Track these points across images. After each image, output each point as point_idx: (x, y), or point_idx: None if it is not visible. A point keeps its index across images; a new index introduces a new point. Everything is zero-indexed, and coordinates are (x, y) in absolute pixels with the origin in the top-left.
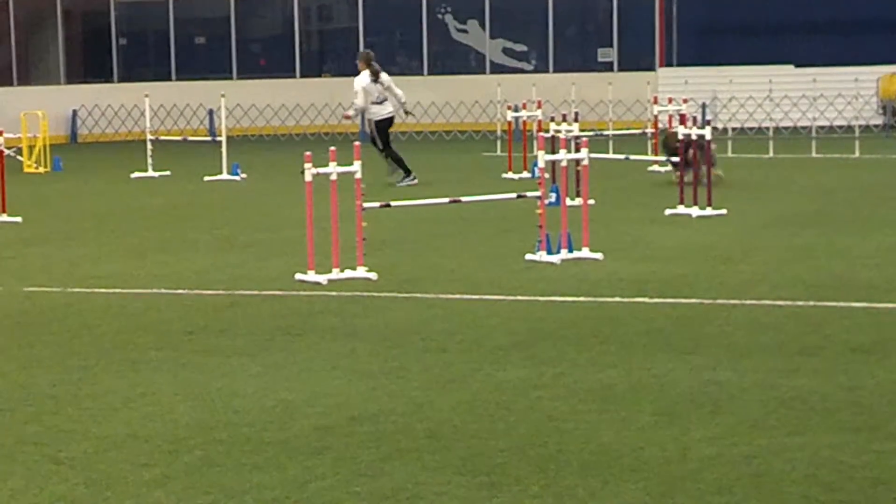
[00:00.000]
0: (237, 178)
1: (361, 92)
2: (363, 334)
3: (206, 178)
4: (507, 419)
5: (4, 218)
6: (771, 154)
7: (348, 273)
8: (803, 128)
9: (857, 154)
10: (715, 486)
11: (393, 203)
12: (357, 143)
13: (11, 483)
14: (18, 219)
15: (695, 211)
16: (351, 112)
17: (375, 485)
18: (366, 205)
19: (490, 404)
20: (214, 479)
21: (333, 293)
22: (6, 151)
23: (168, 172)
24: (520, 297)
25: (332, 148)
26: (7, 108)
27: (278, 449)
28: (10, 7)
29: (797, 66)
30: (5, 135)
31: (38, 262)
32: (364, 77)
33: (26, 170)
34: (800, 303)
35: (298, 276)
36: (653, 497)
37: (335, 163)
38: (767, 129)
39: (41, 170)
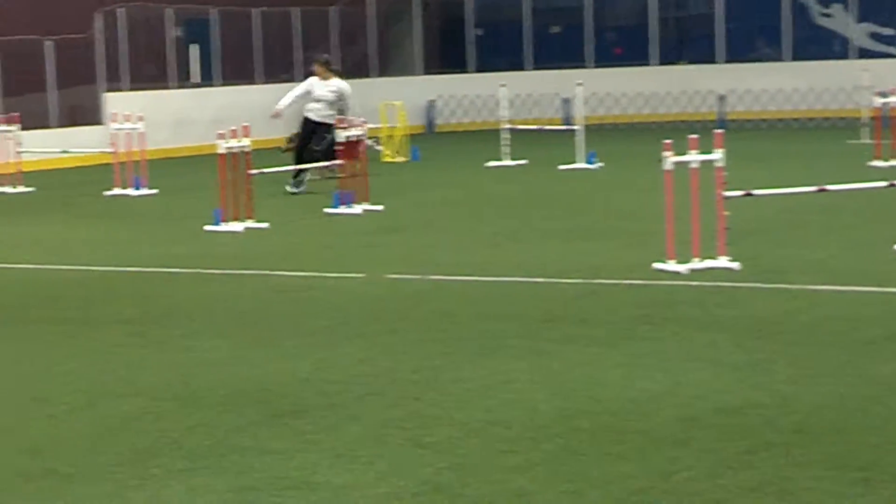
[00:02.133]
0: (593, 166)
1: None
2: (726, 325)
3: (560, 167)
4: (881, 414)
5: (367, 206)
6: None
7: (709, 263)
8: None
9: None
10: None
11: (755, 192)
12: (718, 130)
13: (378, 466)
14: (380, 207)
15: None
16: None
17: (741, 477)
18: (727, 193)
19: (862, 399)
20: (577, 467)
21: (694, 283)
22: (367, 142)
23: (524, 161)
24: (891, 290)
25: (693, 136)
26: (367, 98)
27: (641, 439)
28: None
29: None
30: (366, 125)
31: (399, 249)
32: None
33: (385, 159)
34: None
35: (657, 265)
36: None
37: (695, 151)
38: None
39: (399, 159)
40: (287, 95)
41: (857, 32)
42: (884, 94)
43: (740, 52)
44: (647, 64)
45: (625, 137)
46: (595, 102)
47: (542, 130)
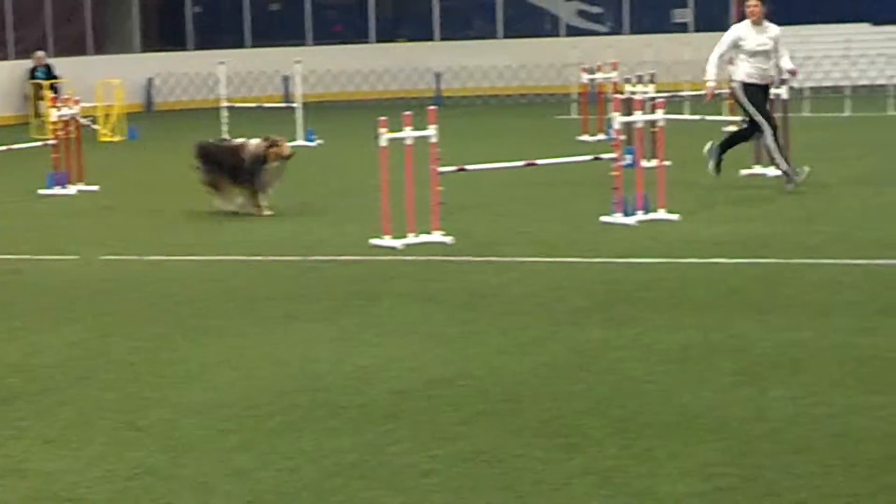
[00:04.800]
0: (312, 144)
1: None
2: (440, 298)
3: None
4: (585, 381)
5: (82, 187)
6: (848, 113)
7: (423, 238)
8: (881, 86)
9: None
10: (795, 445)
11: (468, 167)
12: (432, 107)
13: (90, 450)
14: (95, 188)
15: (771, 171)
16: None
17: (454, 448)
18: (441, 169)
19: (568, 366)
20: (294, 444)
21: (409, 258)
22: (82, 121)
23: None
24: (596, 259)
25: (407, 112)
26: (83, 77)
27: (356, 413)
28: None
29: (874, 24)
30: (81, 104)
31: (115, 230)
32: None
33: (101, 139)
34: (878, 262)
35: (373, 241)
36: (732, 457)
37: (410, 127)
38: (844, 87)
39: (116, 138)
40: (710, 60)
41: (566, 10)
42: (591, 71)
43: (456, 30)
44: (365, 41)
45: (344, 115)
46: (315, 80)
47: (261, 108)
